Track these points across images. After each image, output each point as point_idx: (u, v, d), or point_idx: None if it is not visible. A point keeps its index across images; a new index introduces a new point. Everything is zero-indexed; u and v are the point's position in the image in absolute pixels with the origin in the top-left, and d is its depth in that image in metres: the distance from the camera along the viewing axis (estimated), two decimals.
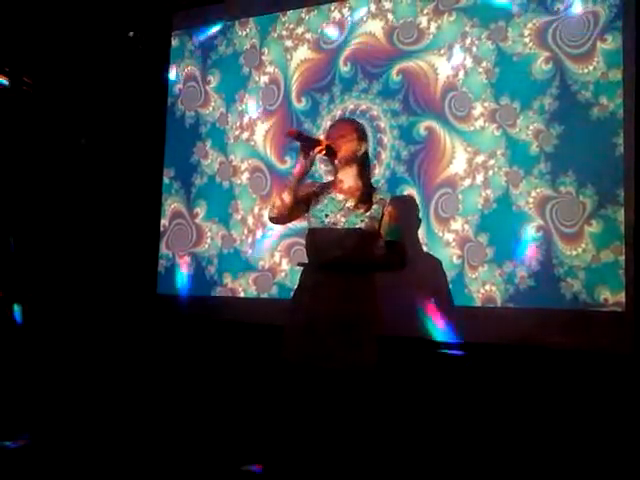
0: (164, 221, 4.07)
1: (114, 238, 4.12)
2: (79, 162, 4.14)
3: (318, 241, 2.39)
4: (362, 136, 2.47)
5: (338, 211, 2.38)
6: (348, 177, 2.44)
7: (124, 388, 3.73)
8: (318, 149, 2.34)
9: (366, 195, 2.41)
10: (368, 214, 2.37)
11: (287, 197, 2.34)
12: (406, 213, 3.06)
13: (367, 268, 2.38)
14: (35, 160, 4.03)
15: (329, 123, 3.00)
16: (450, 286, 3.09)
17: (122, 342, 3.93)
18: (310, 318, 2.29)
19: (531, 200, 2.97)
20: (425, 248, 3.19)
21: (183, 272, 3.96)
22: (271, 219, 2.46)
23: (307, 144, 2.36)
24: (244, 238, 3.74)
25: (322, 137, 2.52)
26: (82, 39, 4.10)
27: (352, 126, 2.48)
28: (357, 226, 2.35)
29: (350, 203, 2.38)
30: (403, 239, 2.45)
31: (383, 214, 2.40)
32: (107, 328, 3.97)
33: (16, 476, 2.76)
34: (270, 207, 2.43)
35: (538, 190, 2.95)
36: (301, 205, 2.42)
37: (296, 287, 2.45)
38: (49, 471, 2.78)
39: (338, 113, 3.48)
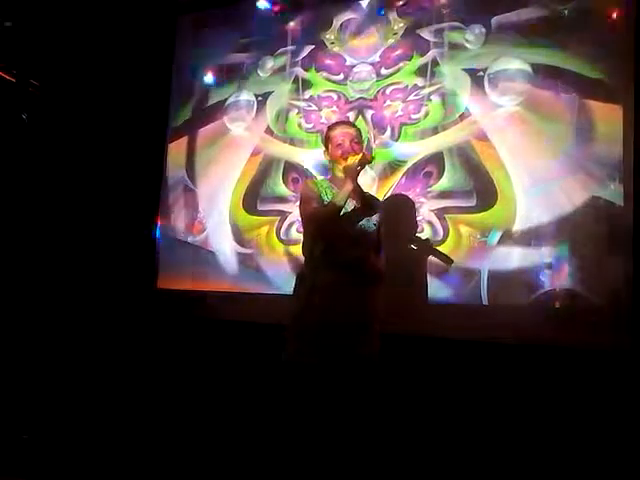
0: None
1: (113, 232, 4.11)
2: (80, 160, 4.15)
3: (336, 241, 2.32)
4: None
5: (352, 216, 2.34)
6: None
7: (122, 384, 3.72)
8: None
9: (371, 200, 2.46)
10: (375, 218, 2.39)
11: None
12: (401, 215, 3.16)
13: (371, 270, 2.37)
14: (36, 158, 4.05)
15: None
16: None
17: (121, 337, 3.93)
18: (326, 317, 2.24)
19: None
20: None
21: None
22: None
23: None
24: None
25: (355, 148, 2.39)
26: (86, 39, 4.13)
27: (358, 130, 2.45)
28: (369, 230, 2.36)
29: (359, 207, 2.37)
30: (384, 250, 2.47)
31: (381, 220, 2.43)
32: (105, 323, 3.96)
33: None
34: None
35: None
36: None
37: (304, 286, 2.35)
38: (46, 466, 2.79)
39: None
